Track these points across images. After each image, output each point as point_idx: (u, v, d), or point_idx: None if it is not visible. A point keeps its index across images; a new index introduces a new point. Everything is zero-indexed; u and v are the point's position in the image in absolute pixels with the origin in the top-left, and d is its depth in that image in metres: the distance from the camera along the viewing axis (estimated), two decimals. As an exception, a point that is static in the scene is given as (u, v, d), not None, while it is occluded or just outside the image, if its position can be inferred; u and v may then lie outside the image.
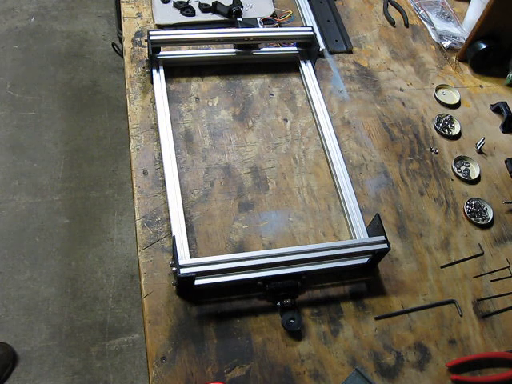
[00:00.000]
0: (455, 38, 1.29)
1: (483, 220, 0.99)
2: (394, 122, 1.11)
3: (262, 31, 1.14)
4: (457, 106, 1.17)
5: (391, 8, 1.36)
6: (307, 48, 1.16)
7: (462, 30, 1.32)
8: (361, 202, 0.96)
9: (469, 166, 1.07)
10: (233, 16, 1.17)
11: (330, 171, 1.00)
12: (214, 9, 1.19)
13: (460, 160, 1.07)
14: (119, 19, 2.03)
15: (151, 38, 1.03)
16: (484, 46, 1.20)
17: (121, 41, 2.11)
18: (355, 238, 0.90)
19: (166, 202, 0.89)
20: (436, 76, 1.22)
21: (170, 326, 0.79)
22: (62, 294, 1.77)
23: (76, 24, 2.53)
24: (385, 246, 0.84)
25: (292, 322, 0.80)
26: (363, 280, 0.88)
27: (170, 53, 1.10)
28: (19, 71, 2.31)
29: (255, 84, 1.12)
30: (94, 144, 2.15)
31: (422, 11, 1.35)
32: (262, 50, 1.15)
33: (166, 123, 0.97)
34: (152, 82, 1.04)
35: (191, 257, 0.83)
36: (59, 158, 2.08)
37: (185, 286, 0.79)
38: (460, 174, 1.05)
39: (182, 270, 0.76)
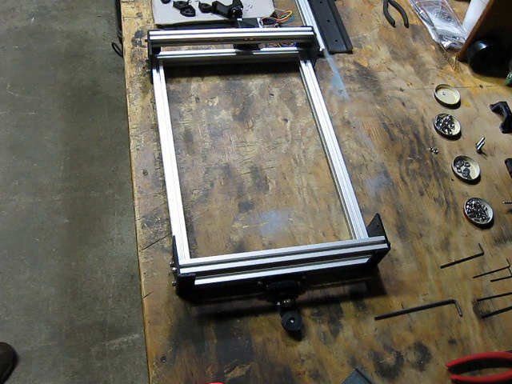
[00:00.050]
0: (455, 37, 1.29)
1: (483, 220, 0.99)
2: (394, 122, 1.11)
3: (262, 31, 1.14)
4: (457, 106, 1.17)
5: (391, 8, 1.36)
6: (307, 48, 1.16)
7: (462, 30, 1.32)
8: (361, 202, 0.96)
9: (469, 165, 1.07)
10: (233, 16, 1.17)
11: (330, 171, 1.00)
12: (214, 9, 1.19)
13: (460, 160, 1.07)
14: (119, 19, 2.03)
15: (151, 38, 1.03)
16: (484, 46, 1.20)
17: (121, 41, 2.11)
18: (355, 237, 0.90)
19: (166, 202, 0.89)
20: (436, 76, 1.22)
21: (170, 326, 0.79)
22: (61, 294, 1.77)
23: (76, 24, 2.53)
24: (385, 246, 0.84)
25: (292, 321, 0.80)
26: (363, 280, 0.88)
27: (170, 53, 1.10)
28: (19, 71, 2.31)
29: (255, 84, 1.12)
30: (94, 144, 2.15)
31: (421, 11, 1.35)
32: (261, 49, 1.15)
33: (166, 123, 0.97)
34: (152, 82, 1.04)
35: (191, 257, 0.83)
36: (59, 158, 2.08)
37: (185, 285, 0.79)
38: (460, 174, 1.05)
39: (182, 270, 0.76)
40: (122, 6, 1.19)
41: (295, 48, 1.16)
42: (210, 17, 1.19)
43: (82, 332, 1.70)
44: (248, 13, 1.20)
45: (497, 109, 1.18)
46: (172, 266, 0.77)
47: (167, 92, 1.02)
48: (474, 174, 1.05)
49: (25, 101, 2.22)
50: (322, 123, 1.05)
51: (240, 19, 1.17)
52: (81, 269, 1.83)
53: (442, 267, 0.92)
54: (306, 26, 1.17)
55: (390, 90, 1.17)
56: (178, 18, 1.17)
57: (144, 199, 0.90)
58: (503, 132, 1.15)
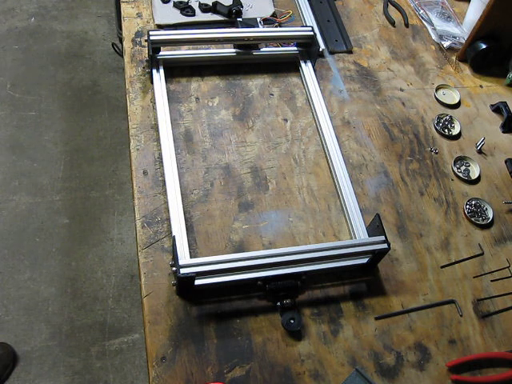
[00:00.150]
0: (455, 37, 1.29)
1: (483, 220, 0.99)
2: (393, 122, 1.11)
3: (262, 31, 1.14)
4: (457, 106, 1.17)
5: (391, 8, 1.36)
6: (307, 48, 1.16)
7: (462, 30, 1.32)
8: (361, 202, 0.96)
9: (469, 165, 1.07)
10: (233, 16, 1.17)
11: (330, 171, 1.00)
12: (214, 9, 1.19)
13: (460, 160, 1.07)
14: (119, 19, 2.03)
15: (151, 38, 1.03)
16: (484, 46, 1.20)
17: (121, 41, 2.11)
18: (355, 237, 0.90)
19: (166, 202, 0.89)
20: (436, 76, 1.22)
21: (170, 326, 0.79)
22: (62, 294, 1.77)
23: (76, 24, 2.53)
24: (385, 246, 0.84)
25: (292, 321, 0.80)
26: (363, 280, 0.88)
27: (170, 53, 1.10)
28: (19, 71, 2.31)
29: (255, 84, 1.12)
30: (94, 144, 2.15)
31: (421, 11, 1.35)
32: (262, 49, 1.15)
33: (166, 123, 0.97)
34: (152, 82, 1.04)
35: (191, 257, 0.83)
36: (59, 158, 2.08)
37: (185, 286, 0.79)
38: (460, 174, 1.05)
39: (182, 270, 0.76)
40: (122, 6, 1.19)
41: (295, 48, 1.16)
42: (210, 17, 1.19)
43: (82, 332, 1.70)
44: (248, 13, 1.20)
45: (497, 109, 1.18)
46: (172, 266, 0.77)
47: (167, 92, 1.02)
48: (474, 174, 1.05)
49: (25, 101, 2.22)
50: (322, 123, 1.05)
51: (240, 19, 1.17)
52: (81, 269, 1.83)
53: (442, 267, 0.92)
54: (306, 26, 1.17)
55: (390, 90, 1.17)
56: (178, 18, 1.17)
57: (144, 199, 0.90)
58: (503, 132, 1.15)
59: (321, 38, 1.20)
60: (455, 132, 1.12)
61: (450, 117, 1.14)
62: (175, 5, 1.18)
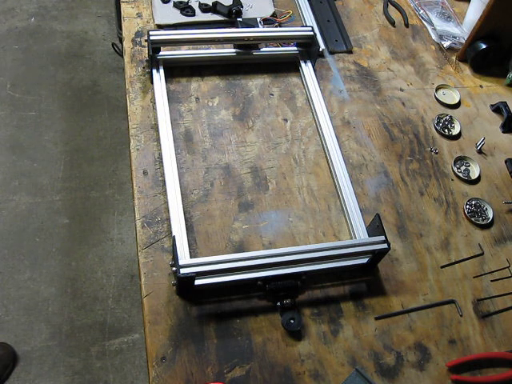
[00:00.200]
0: (455, 37, 1.29)
1: (483, 220, 0.99)
2: (393, 121, 1.11)
3: (262, 31, 1.14)
4: (457, 106, 1.17)
5: (391, 8, 1.36)
6: (307, 48, 1.16)
7: (462, 30, 1.32)
8: (361, 202, 0.96)
9: (469, 165, 1.07)
10: (233, 16, 1.17)
11: (330, 171, 1.00)
12: (214, 9, 1.19)
13: (460, 160, 1.07)
14: (119, 19, 2.03)
15: (151, 38, 1.03)
16: (484, 46, 1.20)
17: (121, 41, 2.11)
18: (355, 237, 0.90)
19: (166, 202, 0.89)
20: (436, 76, 1.22)
21: (170, 325, 0.79)
22: (62, 294, 1.77)
23: (76, 24, 2.53)
24: (385, 246, 0.84)
25: (292, 321, 0.80)
26: (363, 280, 0.88)
27: (170, 53, 1.10)
28: (19, 71, 2.31)
29: (255, 84, 1.12)
30: (94, 144, 2.15)
31: (422, 11, 1.35)
32: (262, 49, 1.15)
33: (166, 123, 0.97)
34: (152, 82, 1.04)
35: (191, 257, 0.83)
36: (59, 158, 2.08)
37: (185, 285, 0.79)
38: (460, 174, 1.05)
39: (182, 270, 0.76)
40: (122, 6, 1.19)
41: (295, 48, 1.16)
42: (210, 17, 1.19)
43: (82, 332, 1.70)
44: (248, 13, 1.20)
45: (497, 109, 1.18)
46: (172, 266, 0.77)
47: (167, 92, 1.02)
48: (474, 174, 1.05)
49: (25, 101, 2.22)
50: (322, 123, 1.05)
51: (240, 19, 1.17)
52: (81, 269, 1.83)
53: (442, 267, 0.92)
54: (306, 26, 1.17)
55: (390, 90, 1.17)
56: (178, 18, 1.17)
57: (144, 199, 0.90)
58: (503, 132, 1.15)
59: (321, 38, 1.20)
60: (455, 132, 1.12)
61: (450, 117, 1.14)
62: (175, 5, 1.18)
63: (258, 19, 1.19)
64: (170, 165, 0.92)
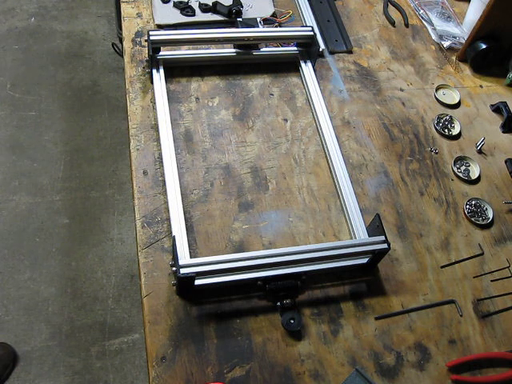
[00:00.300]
0: (455, 37, 1.29)
1: (483, 220, 0.99)
2: (393, 121, 1.11)
3: (262, 31, 1.14)
4: (457, 106, 1.17)
5: (391, 8, 1.36)
6: (307, 48, 1.16)
7: (462, 30, 1.32)
8: (361, 202, 0.96)
9: (469, 166, 1.07)
10: (233, 16, 1.17)
11: (330, 171, 1.00)
12: (214, 9, 1.19)
13: (460, 160, 1.07)
14: (119, 19, 2.03)
15: (151, 38, 1.03)
16: (484, 46, 1.20)
17: (121, 41, 2.11)
18: (355, 237, 0.90)
19: (166, 202, 0.89)
20: (436, 76, 1.22)
21: (170, 325, 0.79)
22: (62, 294, 1.77)
23: (76, 24, 2.53)
24: (385, 246, 0.84)
25: (292, 321, 0.80)
26: (363, 280, 0.88)
27: (170, 53, 1.10)
28: (19, 71, 2.31)
29: (255, 84, 1.12)
30: (94, 144, 2.15)
31: (421, 11, 1.35)
32: (262, 49, 1.15)
33: (166, 123, 0.97)
34: (152, 82, 1.04)
35: (191, 257, 0.83)
36: (59, 158, 2.08)
37: (185, 286, 0.79)
38: (460, 174, 1.05)
39: (182, 270, 0.76)
40: (122, 6, 1.19)
41: (295, 48, 1.16)
42: (210, 17, 1.19)
43: (82, 332, 1.70)
44: (248, 13, 1.20)
45: (497, 109, 1.18)
46: (172, 266, 0.77)
47: (167, 92, 1.02)
48: (474, 174, 1.05)
49: (25, 101, 2.22)
50: (322, 123, 1.05)
51: (240, 19, 1.17)
52: (81, 269, 1.83)
53: (442, 267, 0.92)
54: (306, 26, 1.17)
55: (390, 90, 1.17)
56: (178, 18, 1.17)
57: (144, 199, 0.90)
58: (503, 132, 1.15)
59: (321, 38, 1.20)
60: (455, 132, 1.12)
61: (450, 117, 1.14)
62: (175, 5, 1.18)
63: (258, 19, 1.19)
64: (169, 165, 0.92)
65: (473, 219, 0.98)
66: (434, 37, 1.30)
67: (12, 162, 2.04)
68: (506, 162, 1.09)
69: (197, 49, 1.14)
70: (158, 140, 0.97)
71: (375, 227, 0.88)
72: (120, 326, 1.74)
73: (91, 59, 2.41)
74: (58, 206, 1.96)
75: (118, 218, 1.97)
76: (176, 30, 1.14)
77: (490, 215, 1.00)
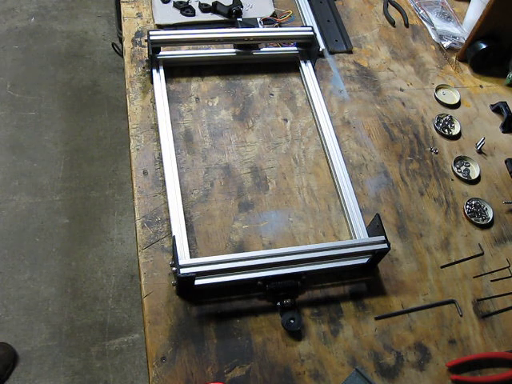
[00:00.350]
0: (455, 37, 1.29)
1: (483, 220, 0.99)
2: (394, 121, 1.11)
3: (262, 31, 1.14)
4: (457, 106, 1.17)
5: (391, 8, 1.36)
6: (307, 48, 1.16)
7: (462, 29, 1.32)
8: (361, 202, 0.96)
9: (469, 165, 1.07)
10: (233, 16, 1.17)
11: (330, 171, 1.00)
12: (214, 9, 1.19)
13: (460, 160, 1.07)
14: (119, 19, 2.03)
15: (151, 38, 1.03)
16: (484, 46, 1.20)
17: (121, 41, 2.11)
18: (355, 237, 0.90)
19: (166, 202, 0.89)
20: (436, 76, 1.22)
21: (170, 325, 0.79)
22: (62, 294, 1.77)
23: (76, 24, 2.53)
24: (385, 246, 0.84)
25: (292, 321, 0.80)
26: (363, 280, 0.88)
27: (170, 53, 1.10)
28: (19, 71, 2.31)
29: (255, 84, 1.12)
30: (94, 144, 2.15)
31: (421, 11, 1.35)
32: (262, 49, 1.15)
33: (166, 123, 0.97)
34: (152, 82, 1.04)
35: (191, 257, 0.83)
36: (59, 158, 2.08)
37: (185, 286, 0.79)
38: (460, 174, 1.05)
39: (182, 270, 0.76)
40: (122, 6, 1.19)
41: (295, 48, 1.16)
42: (210, 17, 1.19)
43: (82, 332, 1.70)
44: (248, 13, 1.20)
45: (497, 109, 1.18)
46: (172, 266, 0.77)
47: (167, 92, 1.02)
48: (474, 174, 1.05)
49: (25, 101, 2.22)
50: (322, 123, 1.05)
51: (240, 19, 1.17)
52: (81, 269, 1.83)
53: (442, 267, 0.92)
54: (306, 26, 1.17)
55: (390, 89, 1.17)
56: (178, 18, 1.17)
57: (144, 199, 0.90)
58: (503, 132, 1.15)
59: (321, 38, 1.20)
60: (455, 132, 1.12)
61: (450, 117, 1.14)
62: (175, 5, 1.18)
63: (258, 19, 1.19)
64: (169, 165, 0.92)
65: (473, 219, 0.98)
66: (433, 37, 1.30)
67: (12, 162, 2.04)
68: (506, 162, 1.09)
69: (197, 49, 1.14)
70: (158, 140, 0.97)
71: (375, 227, 0.88)
72: (120, 326, 1.74)
73: (91, 59, 2.41)
74: (58, 205, 1.96)
75: (118, 218, 1.97)
76: (176, 29, 1.14)
77: (490, 215, 1.00)
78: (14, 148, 2.08)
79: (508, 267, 0.94)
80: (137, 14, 1.18)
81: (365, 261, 0.86)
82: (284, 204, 0.95)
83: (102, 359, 1.67)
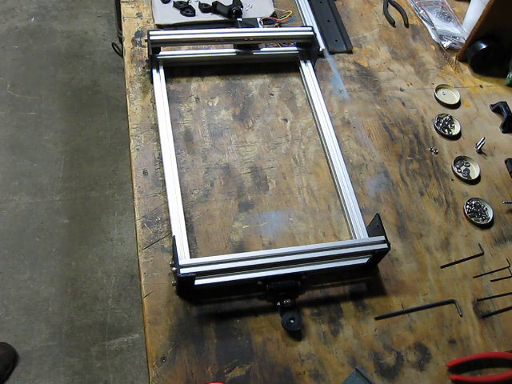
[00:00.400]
0: (455, 37, 1.29)
1: (483, 220, 0.99)
2: (393, 121, 1.11)
3: (262, 31, 1.14)
4: (457, 106, 1.17)
5: (391, 8, 1.36)
6: (307, 48, 1.16)
7: (462, 29, 1.32)
8: (361, 202, 0.96)
9: (469, 165, 1.07)
10: (233, 16, 1.17)
11: (330, 171, 1.00)
12: (214, 9, 1.19)
13: (460, 160, 1.07)
14: (119, 19, 2.03)
15: (151, 38, 1.03)
16: (484, 46, 1.20)
17: (121, 41, 2.11)
18: (355, 237, 0.90)
19: (166, 202, 0.89)
20: (436, 76, 1.22)
21: (170, 325, 0.79)
22: (62, 294, 1.77)
23: (76, 24, 2.53)
24: (385, 246, 0.84)
25: (292, 321, 0.80)
26: (363, 280, 0.88)
27: (170, 53, 1.10)
28: (19, 71, 2.31)
29: (255, 84, 1.12)
30: (94, 144, 2.15)
31: (421, 11, 1.35)
32: (262, 50, 1.15)
33: (166, 123, 0.97)
34: (152, 82, 1.04)
35: (191, 257, 0.83)
36: (59, 158, 2.08)
37: (185, 285, 0.79)
38: (460, 174, 1.05)
39: (182, 270, 0.76)
40: (122, 6, 1.19)
41: (295, 48, 1.16)
42: (210, 17, 1.19)
43: (82, 332, 1.70)
44: (248, 13, 1.20)
45: (497, 109, 1.18)
46: (172, 266, 0.77)
47: (167, 92, 1.02)
48: (474, 174, 1.05)
49: (25, 101, 2.22)
50: (322, 123, 1.05)
51: (240, 19, 1.17)
52: (81, 269, 1.83)
53: (442, 267, 0.92)
54: (306, 26, 1.17)
55: (390, 90, 1.17)
56: (178, 18, 1.17)
57: (144, 199, 0.90)
58: (503, 132, 1.15)
59: (321, 38, 1.20)
60: (455, 132, 1.12)
61: (450, 117, 1.14)
62: (175, 5, 1.18)
63: (258, 19, 1.19)
64: (169, 165, 0.92)
65: (473, 219, 0.98)
66: (434, 37, 1.30)
67: (12, 162, 2.04)
68: (506, 162, 1.09)
69: (197, 49, 1.14)
70: (158, 140, 0.97)
71: (375, 227, 0.88)
72: (120, 326, 1.74)
73: (91, 59, 2.41)
74: (58, 205, 1.96)
75: (118, 218, 1.97)
76: (176, 29, 1.14)
77: (490, 215, 1.00)
78: (14, 148, 2.08)
79: (508, 267, 0.94)
80: (137, 14, 1.18)
81: (365, 261, 0.86)
82: (284, 204, 0.95)
83: (101, 359, 1.67)
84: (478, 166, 1.06)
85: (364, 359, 0.80)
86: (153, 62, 1.05)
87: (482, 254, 0.95)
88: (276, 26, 1.21)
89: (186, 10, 1.18)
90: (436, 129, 1.12)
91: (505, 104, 1.17)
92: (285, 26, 1.22)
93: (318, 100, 1.08)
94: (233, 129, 1.03)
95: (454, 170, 1.05)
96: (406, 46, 1.27)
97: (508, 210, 1.02)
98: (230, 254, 0.84)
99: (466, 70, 1.26)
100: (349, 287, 0.87)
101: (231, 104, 1.07)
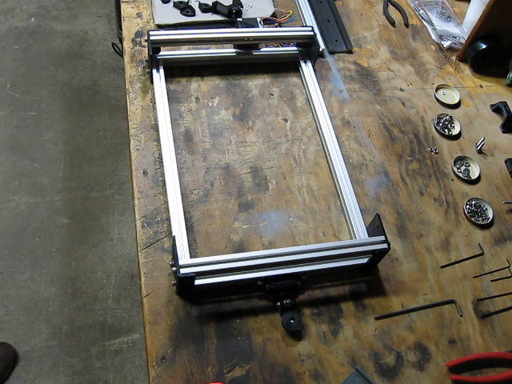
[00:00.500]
0: (455, 37, 1.29)
1: (483, 220, 0.99)
2: (393, 121, 1.11)
3: (262, 31, 1.14)
4: (457, 106, 1.17)
5: (391, 8, 1.36)
6: (307, 48, 1.16)
7: (462, 30, 1.32)
8: (361, 202, 0.96)
9: (469, 165, 1.07)
10: (233, 16, 1.17)
11: (330, 171, 1.00)
12: (214, 9, 1.19)
13: (460, 160, 1.07)
14: (119, 19, 2.03)
15: (151, 38, 1.03)
16: (484, 46, 1.20)
17: (121, 41, 2.11)
18: (355, 237, 0.90)
19: (166, 202, 0.89)
20: (436, 76, 1.22)
21: (170, 325, 0.79)
22: (62, 294, 1.77)
23: (76, 24, 2.53)
24: (385, 246, 0.84)
25: (292, 321, 0.80)
26: (363, 280, 0.88)
27: (170, 53, 1.10)
28: (19, 71, 2.31)
29: (255, 84, 1.12)
30: (94, 144, 2.15)
31: (422, 11, 1.35)
32: (262, 50, 1.15)
33: (166, 123, 0.97)
34: (152, 82, 1.04)
35: (191, 257, 0.83)
36: (59, 158, 2.08)
37: (185, 286, 0.79)
38: (460, 174, 1.05)
39: (182, 270, 0.76)
40: (122, 6, 1.19)
41: (295, 48, 1.16)
42: (210, 17, 1.19)
43: (82, 332, 1.70)
44: (248, 13, 1.20)
45: (497, 109, 1.18)
46: (172, 266, 0.77)
47: (167, 92, 1.02)
48: (474, 174, 1.05)
49: (25, 101, 2.22)
50: (322, 123, 1.05)
51: (240, 19, 1.17)
52: (81, 269, 1.83)
53: (442, 267, 0.92)
54: (306, 26, 1.17)
55: (390, 90, 1.17)
56: (178, 18, 1.17)
57: (144, 199, 0.90)
58: (503, 132, 1.15)
59: (321, 38, 1.20)
60: (455, 132, 1.12)
61: (450, 117, 1.14)
62: (175, 5, 1.18)
63: (258, 19, 1.19)
64: (169, 165, 0.92)
65: (473, 219, 0.98)
66: (434, 37, 1.30)
67: (12, 162, 2.04)
68: (506, 162, 1.09)
69: (197, 49, 1.14)
70: (158, 140, 0.97)
71: (375, 227, 0.88)
72: (120, 326, 1.74)
73: (91, 59, 2.41)
74: (58, 205, 1.96)
75: (118, 218, 1.97)
76: (176, 30, 1.14)
77: (490, 215, 1.00)
78: (14, 148, 2.08)
79: (508, 267, 0.94)
80: (137, 14, 1.18)
81: (365, 261, 0.86)
82: (284, 204, 0.95)
83: (101, 359, 1.67)
84: (478, 165, 1.06)
85: (364, 359, 0.80)
86: (153, 62, 1.05)
87: (482, 253, 0.95)
88: (276, 26, 1.21)
89: (186, 9, 1.18)
90: (436, 129, 1.12)
91: (505, 104, 1.17)
92: (285, 26, 1.22)
93: (317, 100, 1.08)
94: (233, 129, 1.03)
95: (453, 170, 1.05)
96: (406, 45, 1.27)
97: (508, 210, 1.02)
98: (230, 253, 0.84)
99: (465, 70, 1.26)
100: (349, 287, 0.87)
101: (231, 104, 1.07)
